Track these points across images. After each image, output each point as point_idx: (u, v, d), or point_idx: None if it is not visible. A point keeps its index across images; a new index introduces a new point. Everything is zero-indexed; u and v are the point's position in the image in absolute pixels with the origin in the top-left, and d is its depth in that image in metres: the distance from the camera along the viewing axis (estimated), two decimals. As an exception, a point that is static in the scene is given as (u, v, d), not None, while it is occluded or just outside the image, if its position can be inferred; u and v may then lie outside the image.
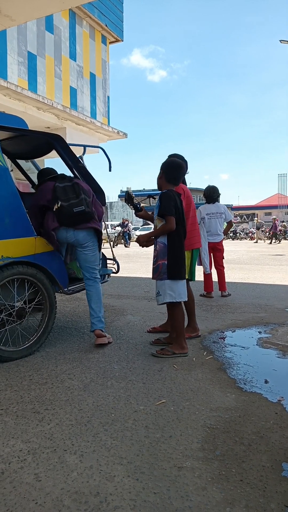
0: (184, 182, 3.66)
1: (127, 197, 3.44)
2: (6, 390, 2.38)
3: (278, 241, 24.21)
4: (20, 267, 2.93)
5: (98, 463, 1.64)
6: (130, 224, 24.94)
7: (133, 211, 3.53)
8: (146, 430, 1.90)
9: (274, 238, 24.02)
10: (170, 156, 3.38)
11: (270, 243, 23.34)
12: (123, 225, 22.97)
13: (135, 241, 3.26)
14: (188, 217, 3.31)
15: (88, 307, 3.34)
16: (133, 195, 3.45)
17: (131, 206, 3.46)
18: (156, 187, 3.27)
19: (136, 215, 3.52)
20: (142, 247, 3.24)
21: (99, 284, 3.33)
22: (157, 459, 1.67)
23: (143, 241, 3.13)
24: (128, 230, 22.65)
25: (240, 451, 1.72)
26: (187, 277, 3.30)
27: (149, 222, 3.82)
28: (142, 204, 3.47)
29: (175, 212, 2.90)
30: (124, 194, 3.60)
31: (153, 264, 3.04)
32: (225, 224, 5.97)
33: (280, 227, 25.32)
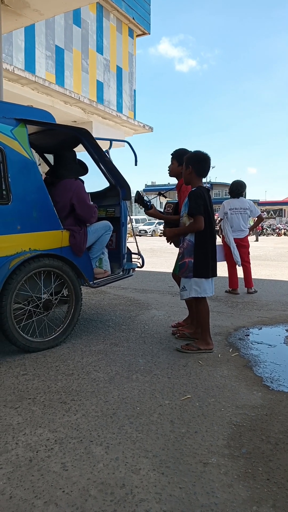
0: None
1: (137, 197, 3.34)
2: (34, 380, 2.43)
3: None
4: (47, 259, 2.98)
5: (123, 455, 1.65)
6: None
7: (143, 209, 3.41)
8: (171, 424, 1.90)
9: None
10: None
11: None
12: None
13: (162, 234, 3.22)
14: None
15: (111, 300, 3.35)
16: (144, 195, 3.34)
17: (140, 206, 3.37)
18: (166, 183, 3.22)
19: (146, 213, 3.39)
20: (168, 242, 3.22)
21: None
22: (183, 454, 1.66)
23: (170, 236, 3.12)
24: None
25: (267, 450, 1.70)
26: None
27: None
28: (152, 202, 3.38)
29: (204, 211, 2.87)
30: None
31: (179, 261, 3.03)
32: (251, 220, 5.85)
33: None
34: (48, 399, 2.17)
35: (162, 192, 3.73)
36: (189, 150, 3.18)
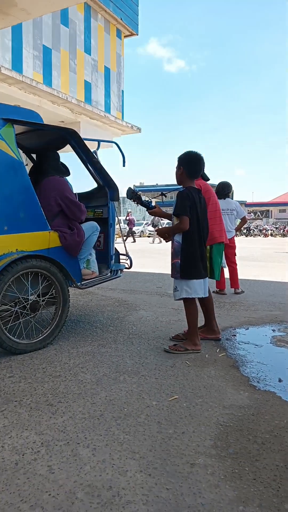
0: (205, 177, 3.59)
1: (129, 193, 3.15)
2: (20, 382, 2.41)
3: (133, 240, 21.74)
4: (34, 260, 2.95)
5: (110, 457, 1.64)
6: None
7: (145, 209, 3.27)
8: (158, 425, 1.90)
9: (130, 235, 21.70)
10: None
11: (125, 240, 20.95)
12: None
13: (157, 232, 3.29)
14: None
15: (99, 301, 3.34)
16: (138, 191, 3.20)
17: (136, 203, 3.20)
18: (169, 183, 3.22)
19: (149, 213, 3.28)
20: (164, 239, 3.22)
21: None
22: (170, 455, 1.67)
23: (159, 234, 3.20)
24: None
25: (253, 450, 1.71)
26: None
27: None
28: (154, 201, 3.34)
29: (191, 211, 2.87)
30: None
31: (171, 261, 3.05)
32: (238, 220, 5.90)
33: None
34: (35, 402, 2.15)
35: (164, 192, 3.70)
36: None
